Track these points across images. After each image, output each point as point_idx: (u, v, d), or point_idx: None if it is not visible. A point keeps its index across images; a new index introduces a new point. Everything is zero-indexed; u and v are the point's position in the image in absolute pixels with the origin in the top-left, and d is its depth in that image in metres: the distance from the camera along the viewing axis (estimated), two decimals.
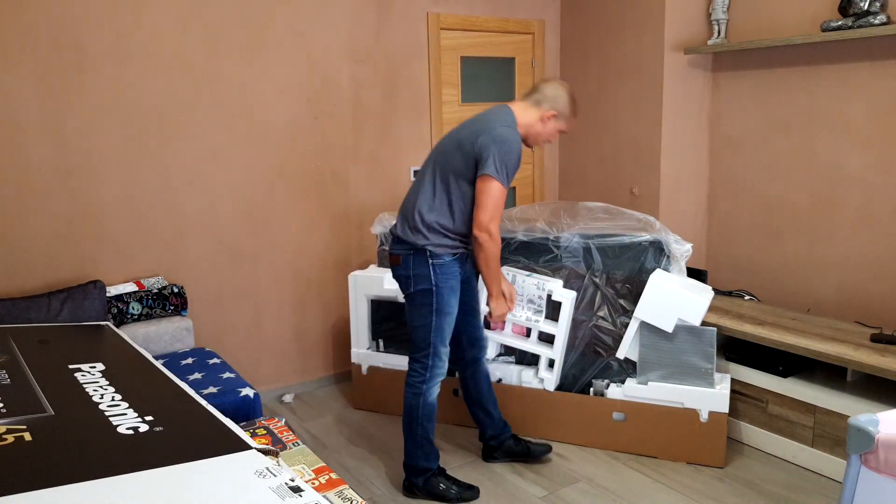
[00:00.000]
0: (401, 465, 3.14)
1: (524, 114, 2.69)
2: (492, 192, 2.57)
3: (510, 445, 3.13)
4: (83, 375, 2.18)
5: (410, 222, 2.72)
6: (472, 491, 2.86)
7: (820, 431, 2.98)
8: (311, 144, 3.86)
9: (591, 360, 3.29)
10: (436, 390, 2.82)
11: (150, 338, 3.22)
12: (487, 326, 3.26)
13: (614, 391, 3.18)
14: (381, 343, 3.64)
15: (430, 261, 2.69)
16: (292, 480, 1.54)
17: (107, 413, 1.87)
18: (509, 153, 2.58)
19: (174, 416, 1.90)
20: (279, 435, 2.33)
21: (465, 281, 2.89)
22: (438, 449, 2.91)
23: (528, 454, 3.12)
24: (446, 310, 2.74)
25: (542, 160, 4.81)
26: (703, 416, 3.05)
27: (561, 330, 3.22)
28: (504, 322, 2.81)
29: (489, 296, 2.80)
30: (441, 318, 2.74)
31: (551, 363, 3.27)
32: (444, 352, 2.79)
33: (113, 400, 1.98)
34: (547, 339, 3.31)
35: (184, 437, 1.76)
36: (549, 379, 3.27)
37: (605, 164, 4.53)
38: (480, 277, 2.92)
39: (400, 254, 2.74)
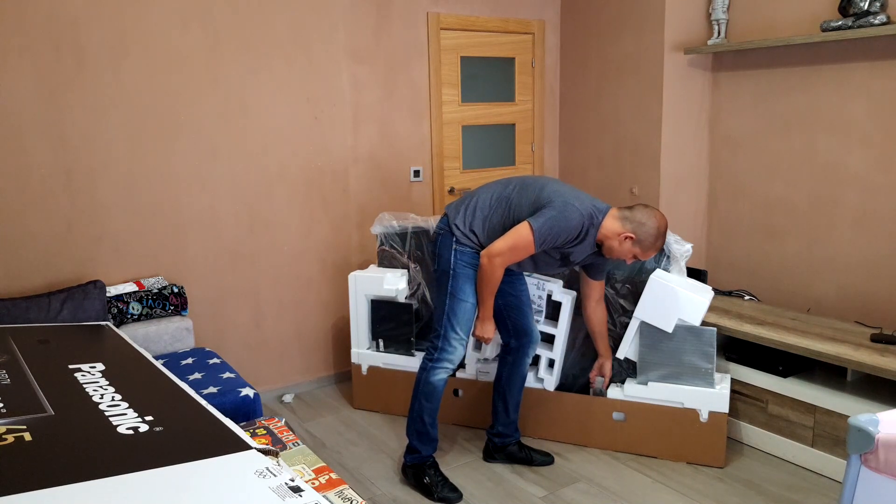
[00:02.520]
0: (399, 465, 3.15)
1: (611, 222, 2.69)
2: (521, 236, 2.62)
3: (513, 451, 3.13)
4: (83, 375, 2.18)
5: (462, 212, 2.81)
6: (455, 493, 2.86)
7: (820, 431, 2.98)
8: (311, 144, 3.86)
9: (591, 360, 3.29)
10: (440, 374, 2.85)
11: (150, 338, 3.22)
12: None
13: (614, 391, 3.18)
14: (381, 343, 3.64)
15: (454, 246, 2.78)
16: (292, 480, 1.54)
17: (107, 413, 1.87)
18: (561, 229, 2.61)
19: (174, 416, 1.90)
20: (279, 435, 2.33)
21: (509, 273, 2.95)
22: (436, 440, 2.93)
23: (531, 462, 3.12)
24: (459, 296, 2.78)
25: (542, 160, 4.82)
26: (703, 416, 3.05)
27: (561, 330, 3.22)
28: (488, 341, 2.88)
29: (478, 316, 2.84)
30: (454, 303, 2.79)
31: (551, 363, 3.27)
32: (456, 338, 2.82)
33: (113, 400, 1.98)
34: (547, 339, 3.31)
35: (184, 437, 1.76)
36: (549, 379, 3.27)
37: (605, 164, 4.53)
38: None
39: (438, 230, 2.87)
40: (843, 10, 3.39)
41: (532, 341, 3.04)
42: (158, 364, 2.41)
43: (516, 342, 3.03)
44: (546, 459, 3.13)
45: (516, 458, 3.13)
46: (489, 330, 2.82)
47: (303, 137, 3.82)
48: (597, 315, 3.06)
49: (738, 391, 3.26)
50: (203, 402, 2.02)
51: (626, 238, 2.67)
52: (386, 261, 3.69)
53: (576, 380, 3.33)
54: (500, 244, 2.64)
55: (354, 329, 3.68)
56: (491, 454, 3.16)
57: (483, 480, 3.02)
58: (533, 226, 2.59)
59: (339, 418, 3.67)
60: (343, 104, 3.93)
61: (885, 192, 3.48)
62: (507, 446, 3.13)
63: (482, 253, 2.69)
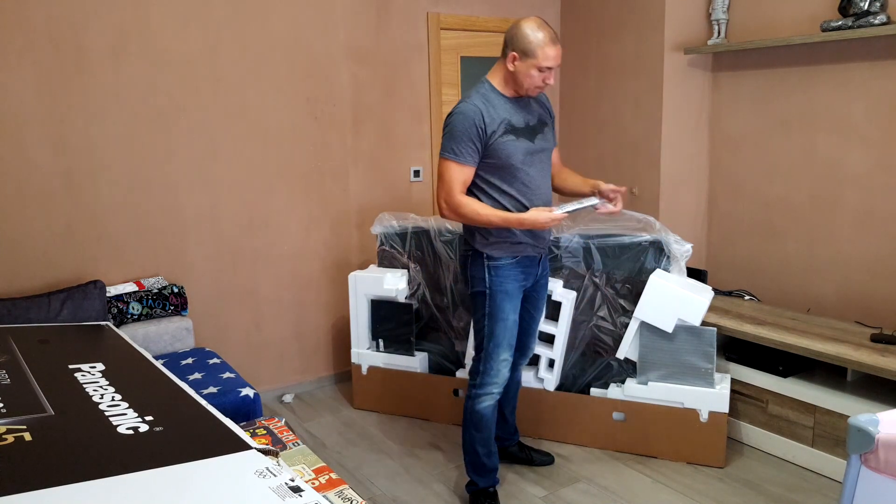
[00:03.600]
0: (400, 465, 3.15)
1: (496, 72, 2.55)
2: (442, 167, 2.52)
3: (514, 451, 3.13)
4: (83, 375, 2.18)
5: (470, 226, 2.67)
6: None
7: (820, 431, 2.98)
8: (311, 144, 3.85)
9: (591, 360, 3.29)
10: (486, 401, 2.69)
11: (150, 338, 3.22)
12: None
13: (614, 391, 3.18)
14: (381, 343, 3.64)
15: (487, 262, 2.61)
16: (292, 480, 1.54)
17: (107, 413, 1.87)
18: (450, 126, 2.49)
19: (174, 416, 1.90)
20: (279, 435, 2.33)
21: (538, 285, 2.80)
22: (495, 469, 2.79)
23: (531, 462, 3.12)
24: (500, 315, 2.62)
25: None
26: (703, 416, 3.05)
27: (561, 330, 3.22)
28: (560, 218, 2.46)
29: (525, 228, 2.51)
30: (494, 324, 2.63)
31: (551, 363, 3.27)
32: (501, 359, 2.66)
33: (113, 400, 1.98)
34: (547, 339, 3.31)
35: (184, 437, 1.76)
36: (549, 379, 3.27)
37: (605, 164, 4.53)
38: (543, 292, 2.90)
39: (464, 252, 2.71)
40: (843, 10, 3.39)
41: (526, 354, 2.97)
42: (158, 364, 2.41)
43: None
44: (546, 459, 3.13)
45: (517, 459, 3.13)
46: (542, 216, 2.45)
47: (303, 137, 3.82)
48: (563, 173, 2.80)
49: (738, 391, 3.26)
50: (203, 402, 2.02)
51: (513, 60, 2.46)
52: (386, 261, 3.69)
53: (576, 380, 3.33)
54: (439, 189, 2.52)
55: (354, 329, 3.68)
56: None
57: None
58: (442, 154, 2.51)
59: (339, 418, 3.67)
60: (343, 104, 3.93)
61: (885, 192, 3.48)
62: (507, 448, 3.13)
63: (442, 208, 2.54)
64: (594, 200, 2.59)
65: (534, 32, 2.44)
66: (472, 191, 2.59)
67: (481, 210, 2.50)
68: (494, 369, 2.67)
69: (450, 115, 2.53)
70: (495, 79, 2.56)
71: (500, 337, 2.65)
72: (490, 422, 2.72)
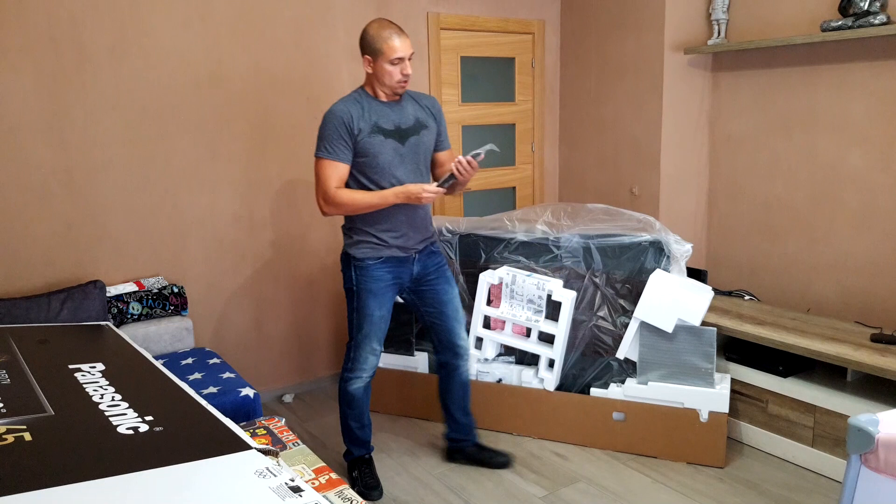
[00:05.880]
0: (399, 465, 3.15)
1: (366, 79, 2.68)
2: (315, 171, 2.66)
3: (471, 452, 3.12)
4: (83, 375, 2.18)
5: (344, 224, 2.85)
6: (374, 491, 2.89)
7: (820, 431, 2.99)
8: (311, 144, 3.84)
9: (591, 360, 3.29)
10: (356, 384, 2.87)
11: (150, 338, 3.22)
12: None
13: (614, 391, 3.18)
14: None
15: (353, 262, 2.77)
16: (292, 480, 1.54)
17: (107, 413, 1.87)
18: (322, 126, 2.64)
19: (174, 416, 1.90)
20: (279, 435, 2.33)
21: (425, 282, 2.87)
22: (367, 441, 3.00)
23: (488, 464, 3.09)
24: (365, 312, 2.77)
25: (542, 160, 4.82)
26: (703, 416, 3.05)
27: (561, 330, 3.22)
28: (434, 194, 2.59)
29: (401, 200, 2.62)
30: (361, 319, 2.79)
31: (551, 363, 3.27)
32: (369, 349, 2.82)
33: (113, 400, 1.98)
34: (547, 339, 3.31)
35: (184, 437, 1.76)
36: (549, 379, 3.27)
37: (605, 164, 4.53)
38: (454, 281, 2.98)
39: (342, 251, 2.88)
40: (843, 10, 3.40)
41: (460, 353, 2.98)
42: (158, 364, 2.41)
43: (444, 358, 3.00)
44: (503, 460, 3.10)
45: (475, 459, 3.12)
46: (414, 188, 2.59)
47: (303, 137, 3.82)
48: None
49: (738, 391, 3.26)
50: (203, 402, 2.02)
51: (368, 63, 2.60)
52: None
53: (576, 380, 3.33)
54: (316, 189, 2.66)
55: None
56: (451, 455, 3.17)
57: (483, 480, 3.02)
58: (315, 153, 2.65)
59: (339, 418, 3.67)
60: None
61: (885, 192, 3.48)
62: (464, 449, 3.13)
63: (321, 206, 2.67)
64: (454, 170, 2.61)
65: (377, 32, 2.58)
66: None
67: (356, 195, 2.64)
68: (362, 357, 2.84)
69: (323, 117, 2.66)
70: (367, 85, 2.71)
71: (368, 330, 2.80)
72: (361, 400, 2.91)
